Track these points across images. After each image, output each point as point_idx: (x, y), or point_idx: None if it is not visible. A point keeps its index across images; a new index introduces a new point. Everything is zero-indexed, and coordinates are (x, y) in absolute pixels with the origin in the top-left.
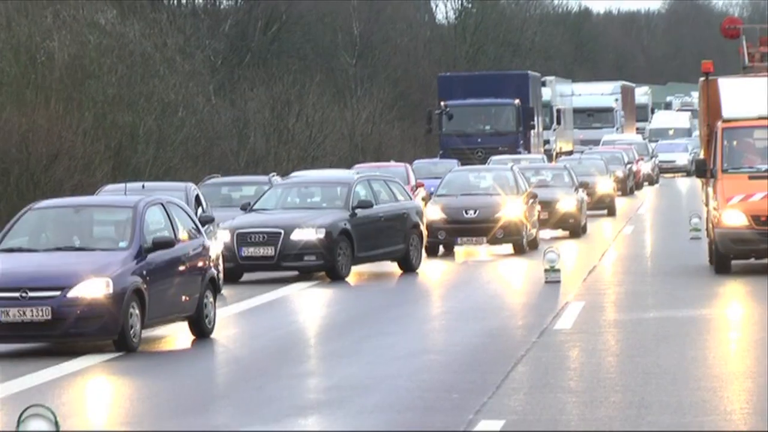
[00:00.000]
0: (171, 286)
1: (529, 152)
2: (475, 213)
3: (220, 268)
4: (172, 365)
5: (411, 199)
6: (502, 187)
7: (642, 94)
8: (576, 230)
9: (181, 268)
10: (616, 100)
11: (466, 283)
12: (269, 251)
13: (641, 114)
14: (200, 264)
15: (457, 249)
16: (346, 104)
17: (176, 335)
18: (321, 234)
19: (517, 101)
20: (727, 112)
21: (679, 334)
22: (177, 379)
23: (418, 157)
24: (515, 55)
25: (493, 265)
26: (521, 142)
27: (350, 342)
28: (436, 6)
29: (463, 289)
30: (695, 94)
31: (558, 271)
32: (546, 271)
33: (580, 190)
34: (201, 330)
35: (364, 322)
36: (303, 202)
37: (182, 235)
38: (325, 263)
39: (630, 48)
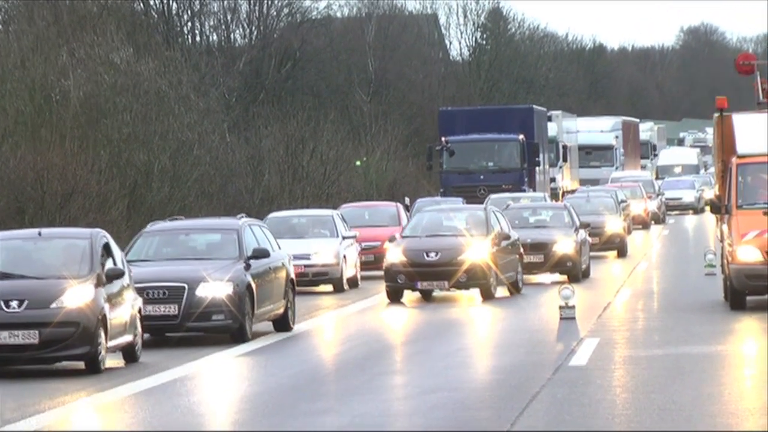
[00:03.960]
0: None
1: (535, 190)
2: (436, 255)
3: (139, 331)
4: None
5: (280, 248)
6: (471, 228)
7: (646, 130)
8: (575, 274)
9: None
10: (616, 137)
11: (479, 320)
12: (171, 309)
13: (645, 151)
14: None
15: (436, 294)
16: (360, 141)
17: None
18: (229, 289)
19: (521, 137)
20: (741, 148)
21: (694, 370)
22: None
23: (433, 194)
24: (530, 92)
25: (498, 303)
26: (526, 179)
27: (365, 379)
28: (451, 43)
29: (477, 327)
30: (710, 130)
31: (573, 307)
32: (561, 307)
33: (582, 230)
34: None
35: (378, 359)
36: (186, 251)
37: None
38: (233, 323)
39: (644, 84)
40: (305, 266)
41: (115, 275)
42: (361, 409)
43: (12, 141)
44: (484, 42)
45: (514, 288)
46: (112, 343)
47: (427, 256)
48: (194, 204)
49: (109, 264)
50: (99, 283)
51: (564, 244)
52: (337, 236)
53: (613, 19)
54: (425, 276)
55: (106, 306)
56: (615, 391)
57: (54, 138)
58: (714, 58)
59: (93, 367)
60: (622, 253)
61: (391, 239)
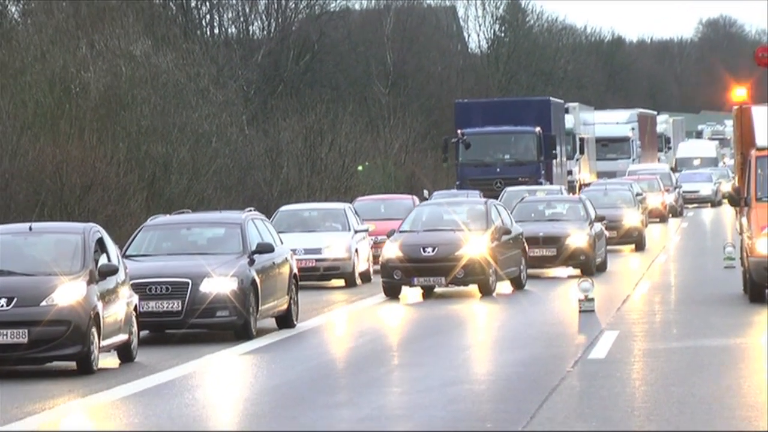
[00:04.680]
0: None
1: (552, 183)
2: (433, 251)
3: (134, 329)
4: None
5: (282, 243)
6: (470, 222)
7: (661, 122)
8: (588, 268)
9: None
10: (632, 129)
11: (498, 313)
12: (175, 305)
13: (660, 143)
14: None
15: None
16: (379, 134)
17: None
18: (234, 284)
19: (538, 129)
20: (760, 140)
21: (713, 363)
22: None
23: (450, 186)
24: (548, 84)
25: (516, 297)
26: (543, 172)
27: (383, 372)
28: (469, 35)
29: (496, 320)
30: (728, 123)
31: (592, 300)
32: (580, 300)
33: (597, 223)
34: None
35: (396, 352)
36: (188, 246)
37: None
38: (237, 319)
39: (663, 76)
40: (316, 260)
41: (109, 272)
42: (379, 402)
43: (31, 133)
44: (503, 34)
45: (517, 284)
46: (105, 342)
47: (424, 251)
48: (213, 196)
49: (103, 260)
50: (92, 280)
51: (577, 238)
52: (349, 230)
53: (632, 11)
54: (422, 272)
55: (99, 303)
56: (634, 383)
57: (73, 130)
58: (733, 51)
59: (85, 368)
60: (639, 246)
61: (389, 234)
